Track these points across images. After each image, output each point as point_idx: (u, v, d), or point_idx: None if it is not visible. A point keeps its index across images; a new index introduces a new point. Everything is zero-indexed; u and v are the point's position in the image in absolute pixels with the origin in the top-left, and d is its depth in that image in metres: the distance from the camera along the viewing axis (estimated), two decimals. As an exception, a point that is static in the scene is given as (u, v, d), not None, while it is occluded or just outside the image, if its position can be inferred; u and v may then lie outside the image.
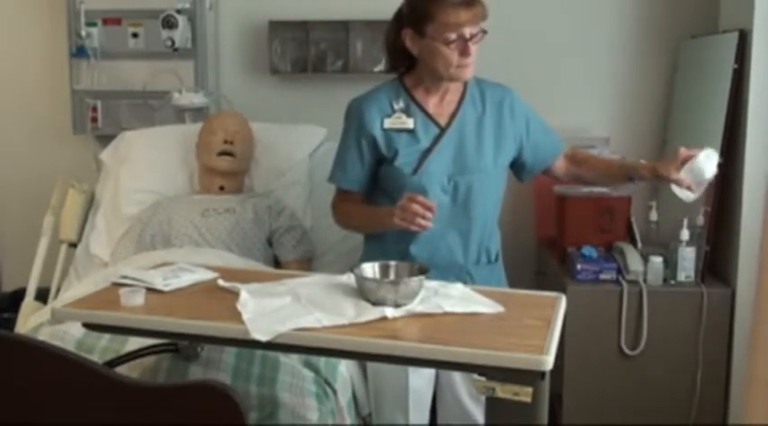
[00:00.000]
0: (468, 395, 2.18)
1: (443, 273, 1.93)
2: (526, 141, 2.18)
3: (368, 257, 2.06)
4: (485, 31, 2.01)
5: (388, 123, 2.11)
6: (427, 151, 2.08)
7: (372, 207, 2.17)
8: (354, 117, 2.14)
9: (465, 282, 1.91)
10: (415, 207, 1.90)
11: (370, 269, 1.74)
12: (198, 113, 3.23)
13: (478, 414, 2.17)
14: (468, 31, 1.98)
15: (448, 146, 2.09)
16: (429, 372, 2.20)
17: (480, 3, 1.99)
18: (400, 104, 2.12)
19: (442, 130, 2.10)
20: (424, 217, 1.90)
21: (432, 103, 2.13)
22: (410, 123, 2.10)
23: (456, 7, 1.96)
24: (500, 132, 2.14)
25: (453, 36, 1.97)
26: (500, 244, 2.25)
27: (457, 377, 2.17)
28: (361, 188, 2.18)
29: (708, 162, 1.97)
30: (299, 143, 3.03)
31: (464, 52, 1.99)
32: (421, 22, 2.00)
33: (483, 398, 2.12)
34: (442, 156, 2.08)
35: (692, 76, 3.01)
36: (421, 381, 2.19)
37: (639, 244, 2.81)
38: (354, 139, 2.14)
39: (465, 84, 2.14)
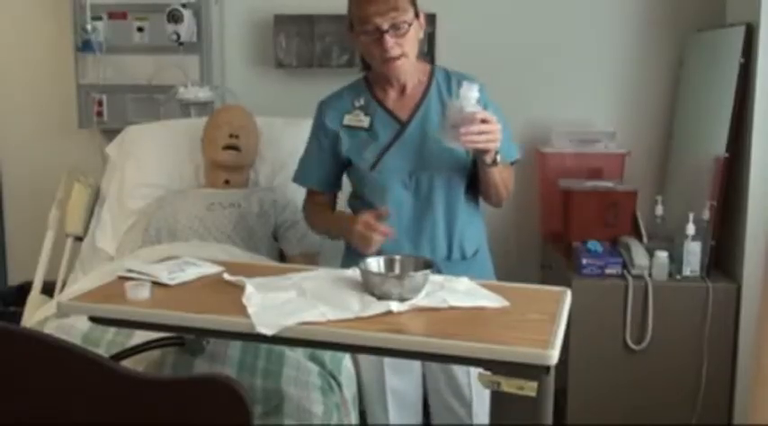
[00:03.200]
0: (455, 398, 2.16)
1: None
2: None
3: (347, 253, 2.14)
4: (408, 23, 1.97)
5: (346, 120, 2.12)
6: (386, 147, 2.07)
7: (336, 216, 2.21)
8: (316, 116, 2.18)
9: None
10: (365, 231, 1.93)
11: (375, 263, 1.74)
12: (203, 107, 3.24)
13: (467, 416, 2.16)
14: (382, 23, 1.95)
15: (409, 142, 2.06)
16: (416, 374, 2.21)
17: None
18: (360, 102, 2.12)
19: (403, 125, 2.08)
20: (381, 233, 1.93)
21: (391, 99, 2.11)
22: (366, 121, 2.10)
23: (366, 1, 1.97)
24: None
25: (369, 28, 1.97)
26: (483, 238, 2.21)
27: (441, 382, 2.16)
28: (325, 187, 2.20)
29: (469, 91, 1.85)
30: (304, 137, 3.00)
31: (380, 45, 1.97)
32: (349, 19, 2.04)
33: (473, 401, 2.15)
34: (402, 152, 2.06)
35: (698, 70, 3.00)
36: (404, 383, 2.20)
37: (645, 239, 2.81)
38: (315, 137, 2.18)
39: (430, 77, 2.12)
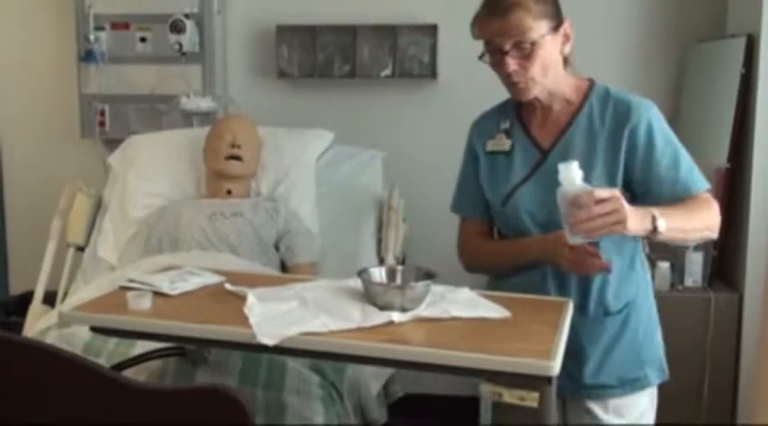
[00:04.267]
0: None
1: None
2: (637, 176, 1.78)
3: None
4: (534, 43, 1.72)
5: (489, 146, 1.90)
6: (522, 180, 1.83)
7: (511, 242, 1.89)
8: (468, 137, 1.97)
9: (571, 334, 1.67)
10: (578, 256, 1.69)
11: (377, 273, 1.74)
12: (205, 117, 3.24)
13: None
14: (502, 43, 1.73)
15: (548, 175, 1.73)
16: None
17: (514, 12, 1.71)
18: (506, 124, 1.89)
19: (543, 155, 1.83)
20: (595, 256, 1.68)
21: (535, 124, 1.86)
22: (507, 145, 1.86)
23: (484, 18, 1.76)
24: (613, 161, 1.78)
25: (490, 47, 1.76)
26: (639, 294, 1.86)
27: None
28: (481, 214, 1.94)
29: (566, 172, 1.59)
30: (306, 147, 3.03)
31: (500, 66, 1.76)
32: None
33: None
34: (539, 186, 1.79)
35: (699, 81, 3.01)
36: None
37: (647, 249, 2.80)
38: (465, 162, 1.97)
39: (584, 98, 1.83)
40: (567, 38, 1.79)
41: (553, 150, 1.82)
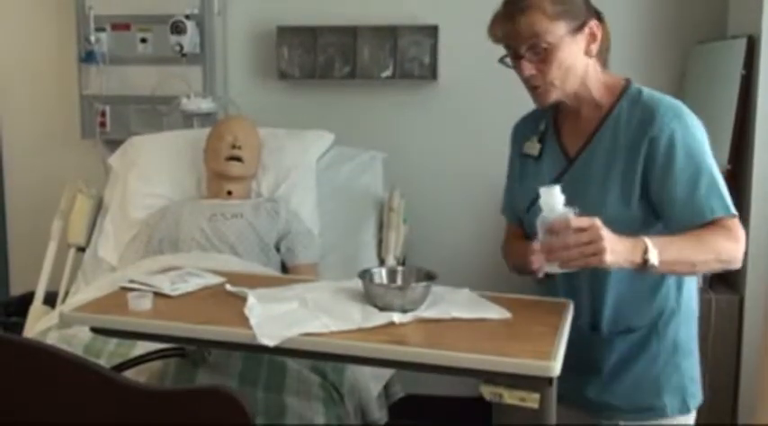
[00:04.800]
0: None
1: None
2: (654, 193, 1.64)
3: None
4: (550, 45, 1.62)
5: (525, 148, 1.83)
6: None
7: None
8: (511, 137, 1.90)
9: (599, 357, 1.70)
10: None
11: (378, 274, 1.74)
12: (206, 118, 3.25)
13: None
14: (517, 46, 1.65)
15: (573, 183, 1.65)
16: None
17: (528, 14, 1.62)
18: (542, 126, 1.81)
19: (569, 162, 1.74)
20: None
21: (567, 129, 1.77)
22: (537, 149, 1.79)
23: (499, 21, 1.68)
24: (629, 171, 1.65)
25: (510, 52, 1.68)
26: (665, 318, 1.73)
27: None
28: (515, 219, 1.89)
29: (547, 196, 1.52)
30: (306, 148, 3.03)
31: (518, 70, 1.68)
32: None
33: None
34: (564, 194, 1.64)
35: (699, 83, 3.01)
36: None
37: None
38: (509, 165, 1.90)
39: (614, 104, 1.70)
40: (593, 37, 1.67)
41: (578, 158, 1.73)
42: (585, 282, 1.72)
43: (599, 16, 1.71)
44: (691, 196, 1.60)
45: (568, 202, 1.51)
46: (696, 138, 1.65)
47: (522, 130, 1.87)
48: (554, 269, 1.51)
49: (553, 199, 1.50)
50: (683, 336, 1.76)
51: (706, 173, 1.61)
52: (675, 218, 1.61)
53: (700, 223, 1.58)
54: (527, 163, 1.82)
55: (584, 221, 1.46)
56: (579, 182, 1.67)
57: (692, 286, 1.79)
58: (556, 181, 1.68)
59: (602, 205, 1.64)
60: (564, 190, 1.56)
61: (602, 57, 1.74)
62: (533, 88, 1.69)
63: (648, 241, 1.50)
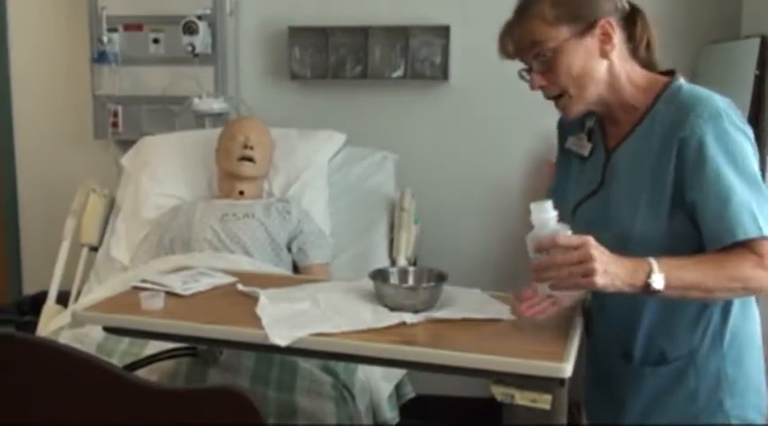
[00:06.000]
0: None
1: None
2: (689, 200, 1.48)
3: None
4: (552, 51, 1.52)
5: (569, 142, 1.70)
6: (590, 192, 1.61)
7: None
8: (557, 132, 1.78)
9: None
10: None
11: (389, 274, 1.75)
12: (218, 118, 3.25)
13: None
14: (525, 58, 1.58)
15: (607, 188, 1.58)
16: None
17: (526, 23, 1.55)
18: (590, 122, 1.66)
19: (605, 164, 1.61)
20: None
21: (611, 132, 1.63)
22: (586, 149, 1.64)
23: (502, 37, 1.62)
24: (658, 178, 1.50)
25: (526, 68, 1.60)
26: (705, 347, 1.55)
27: None
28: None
29: (538, 212, 1.41)
30: (318, 148, 3.04)
31: (531, 84, 1.58)
32: None
33: None
34: (601, 201, 1.59)
35: (712, 83, 2.99)
36: None
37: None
38: (557, 163, 1.77)
39: (651, 105, 1.55)
40: (607, 37, 1.53)
41: (609, 162, 1.60)
42: (620, 303, 1.55)
43: (633, 10, 1.60)
44: (721, 211, 1.41)
45: (601, 215, 1.43)
46: (734, 144, 1.46)
47: (567, 124, 1.71)
48: (546, 290, 1.41)
49: (544, 214, 1.40)
50: (730, 371, 1.56)
51: (741, 185, 1.42)
52: (705, 235, 1.45)
53: (729, 243, 1.40)
54: (571, 161, 1.70)
55: (573, 239, 1.35)
56: (613, 184, 1.56)
57: (748, 311, 1.59)
58: (599, 186, 1.59)
59: (632, 220, 1.51)
60: (605, 194, 1.48)
61: (642, 56, 1.61)
62: (554, 101, 1.58)
63: (655, 263, 1.36)
